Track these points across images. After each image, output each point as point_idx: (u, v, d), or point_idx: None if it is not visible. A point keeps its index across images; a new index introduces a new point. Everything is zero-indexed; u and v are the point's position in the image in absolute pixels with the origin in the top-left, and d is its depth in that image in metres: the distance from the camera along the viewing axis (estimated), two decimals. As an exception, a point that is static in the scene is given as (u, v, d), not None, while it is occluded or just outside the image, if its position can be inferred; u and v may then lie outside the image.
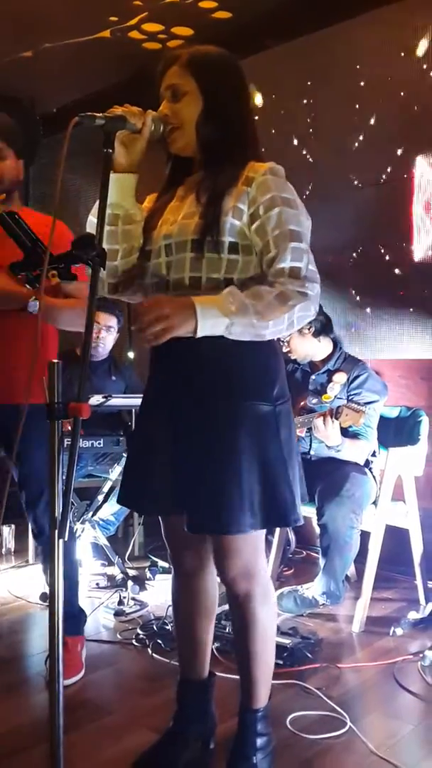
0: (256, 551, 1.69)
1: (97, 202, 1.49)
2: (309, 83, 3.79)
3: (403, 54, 3.41)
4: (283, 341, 3.12)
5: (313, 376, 3.18)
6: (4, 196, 2.19)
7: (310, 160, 3.80)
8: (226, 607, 1.86)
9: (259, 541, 1.70)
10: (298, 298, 1.54)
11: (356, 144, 3.62)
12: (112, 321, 3.68)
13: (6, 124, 2.27)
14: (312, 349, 3.15)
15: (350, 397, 2.99)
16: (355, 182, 3.63)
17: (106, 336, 3.68)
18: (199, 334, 1.49)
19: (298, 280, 1.56)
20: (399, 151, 3.45)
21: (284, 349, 3.15)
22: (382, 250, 3.54)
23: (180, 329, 1.49)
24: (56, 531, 1.35)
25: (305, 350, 3.15)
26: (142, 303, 1.56)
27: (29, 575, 3.36)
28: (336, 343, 3.21)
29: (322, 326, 3.11)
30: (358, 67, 3.58)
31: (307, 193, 3.68)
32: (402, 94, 3.43)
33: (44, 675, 2.32)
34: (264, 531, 1.69)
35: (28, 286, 1.64)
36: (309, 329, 3.07)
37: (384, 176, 3.52)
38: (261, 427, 1.62)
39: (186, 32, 3.92)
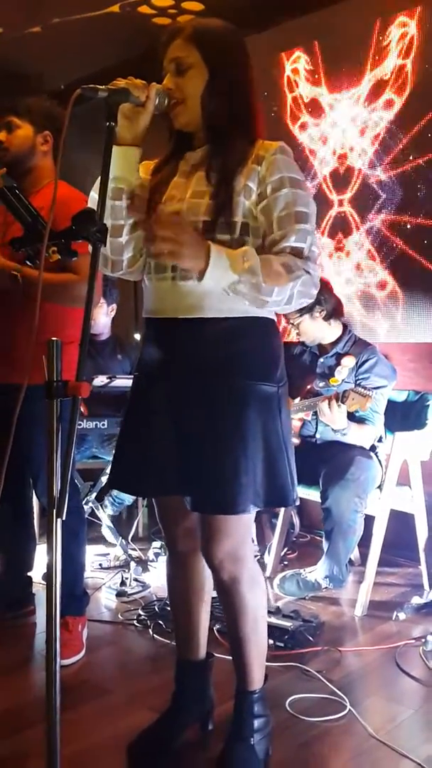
0: (245, 536, 1.68)
1: (100, 177, 1.46)
2: (322, 58, 3.72)
3: (419, 27, 3.34)
4: (292, 323, 3.09)
5: (321, 359, 3.14)
6: (5, 170, 2.17)
7: (322, 136, 3.74)
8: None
9: (249, 526, 1.69)
10: (300, 271, 1.55)
11: (370, 119, 3.56)
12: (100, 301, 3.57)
13: (21, 102, 2.34)
14: (321, 332, 3.11)
15: (358, 382, 2.96)
16: (370, 160, 3.57)
17: (97, 316, 3.55)
18: (205, 279, 1.50)
19: (300, 259, 1.56)
20: (415, 130, 3.39)
21: (294, 332, 3.12)
22: (394, 232, 3.49)
23: (186, 262, 1.50)
24: (54, 511, 1.34)
25: (315, 333, 3.11)
26: (164, 214, 1.56)
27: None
28: (345, 326, 3.17)
29: (334, 309, 3.08)
30: (373, 41, 3.51)
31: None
32: (417, 68, 3.35)
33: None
34: (254, 516, 1.69)
35: (28, 263, 1.61)
36: (320, 312, 3.04)
37: (399, 155, 3.46)
38: (265, 407, 1.62)
39: (196, 7, 3.85)
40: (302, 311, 2.99)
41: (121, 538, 3.20)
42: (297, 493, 1.69)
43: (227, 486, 1.57)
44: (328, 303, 3.03)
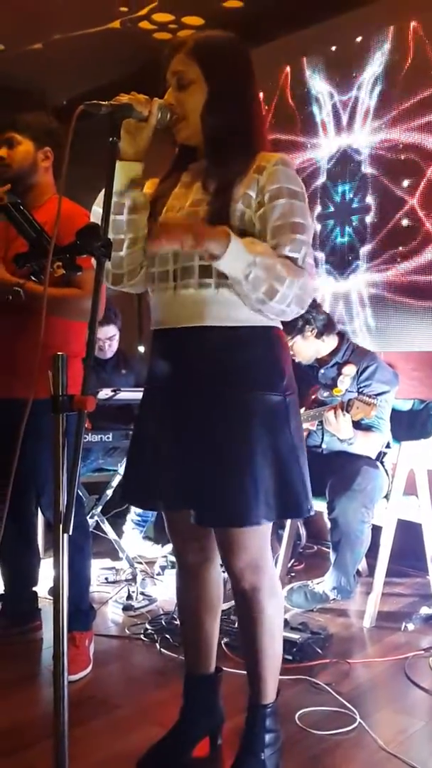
0: (264, 544, 1.67)
1: (102, 192, 1.47)
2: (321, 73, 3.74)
3: (417, 41, 3.36)
4: None
5: (322, 370, 3.14)
6: (9, 187, 2.18)
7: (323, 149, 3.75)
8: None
9: (266, 535, 1.68)
10: (301, 270, 1.54)
11: (369, 134, 3.57)
12: (112, 330, 3.60)
13: (21, 117, 2.35)
14: (315, 349, 3.12)
15: (360, 390, 2.96)
16: (370, 170, 3.58)
17: (112, 344, 3.63)
18: (225, 258, 1.48)
19: (294, 267, 1.56)
20: (412, 141, 3.41)
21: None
22: (395, 241, 3.50)
23: (208, 244, 1.47)
24: (60, 526, 1.33)
25: (309, 353, 3.12)
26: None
27: (41, 569, 3.35)
28: (342, 336, 3.17)
29: (324, 326, 3.08)
30: (372, 56, 3.53)
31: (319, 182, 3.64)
32: (420, 83, 3.37)
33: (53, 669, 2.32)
34: (271, 524, 1.67)
35: (33, 278, 1.62)
36: (312, 331, 3.04)
37: (399, 163, 3.48)
38: (272, 417, 1.61)
39: (196, 22, 3.88)
40: (293, 332, 2.99)
41: (126, 551, 3.19)
42: (312, 503, 1.67)
43: (233, 499, 1.56)
44: (317, 321, 3.05)
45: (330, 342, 3.12)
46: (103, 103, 1.49)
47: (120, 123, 1.53)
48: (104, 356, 3.63)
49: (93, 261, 1.43)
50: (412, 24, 3.37)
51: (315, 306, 3.07)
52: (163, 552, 3.35)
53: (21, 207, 1.66)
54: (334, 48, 3.68)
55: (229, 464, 1.57)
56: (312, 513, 1.68)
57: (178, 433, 1.64)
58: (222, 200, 1.57)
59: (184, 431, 1.63)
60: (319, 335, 3.07)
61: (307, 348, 3.10)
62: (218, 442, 1.59)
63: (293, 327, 2.97)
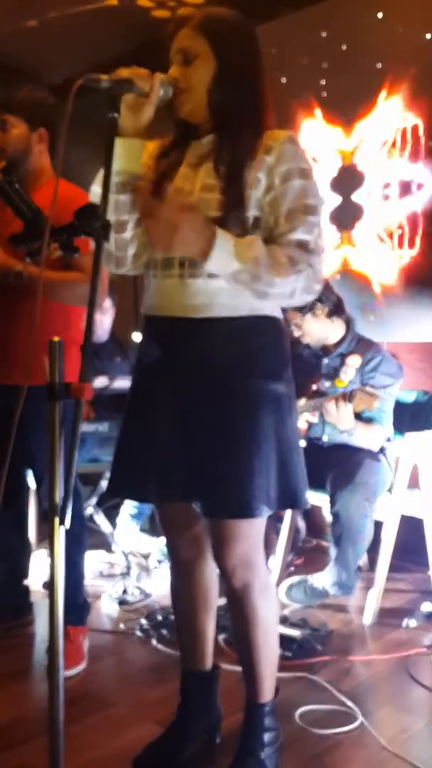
0: (258, 540, 1.64)
1: (102, 170, 1.41)
2: (324, 52, 3.66)
3: (423, 24, 3.28)
4: (295, 323, 3.03)
5: (325, 360, 3.08)
6: (3, 164, 2.10)
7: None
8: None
9: (261, 529, 1.64)
10: (304, 265, 1.50)
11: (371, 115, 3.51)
12: (106, 302, 3.51)
13: (13, 97, 2.27)
14: (326, 331, 3.06)
15: (364, 382, 2.90)
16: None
17: (102, 318, 3.50)
18: (208, 266, 1.47)
19: (305, 253, 1.52)
20: (415, 124, 3.34)
21: (296, 333, 3.06)
22: (400, 230, 3.44)
23: (183, 249, 1.46)
24: (56, 518, 1.28)
25: (319, 333, 3.06)
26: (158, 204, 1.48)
27: (34, 561, 3.29)
28: (349, 325, 3.11)
29: (335, 306, 3.02)
30: (375, 35, 3.45)
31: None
32: (420, 65, 3.30)
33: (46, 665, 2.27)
34: (265, 519, 1.64)
35: (28, 259, 1.56)
36: (322, 310, 2.98)
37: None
38: (277, 407, 1.58)
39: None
40: (303, 310, 2.95)
41: (120, 545, 3.14)
42: (307, 495, 1.65)
43: (242, 489, 1.53)
44: (329, 300, 2.99)
45: (338, 326, 3.06)
46: (103, 77, 1.44)
47: (120, 98, 1.48)
48: (98, 338, 3.52)
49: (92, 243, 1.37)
50: None
51: (326, 286, 3.01)
52: (160, 544, 3.29)
53: (16, 185, 1.59)
54: (339, 27, 3.59)
55: (236, 453, 1.54)
56: (308, 506, 1.67)
57: (182, 423, 1.59)
58: (235, 188, 1.53)
59: (187, 421, 1.58)
60: (330, 315, 3.01)
61: (317, 328, 3.04)
62: (225, 431, 1.55)
63: (304, 305, 2.91)
